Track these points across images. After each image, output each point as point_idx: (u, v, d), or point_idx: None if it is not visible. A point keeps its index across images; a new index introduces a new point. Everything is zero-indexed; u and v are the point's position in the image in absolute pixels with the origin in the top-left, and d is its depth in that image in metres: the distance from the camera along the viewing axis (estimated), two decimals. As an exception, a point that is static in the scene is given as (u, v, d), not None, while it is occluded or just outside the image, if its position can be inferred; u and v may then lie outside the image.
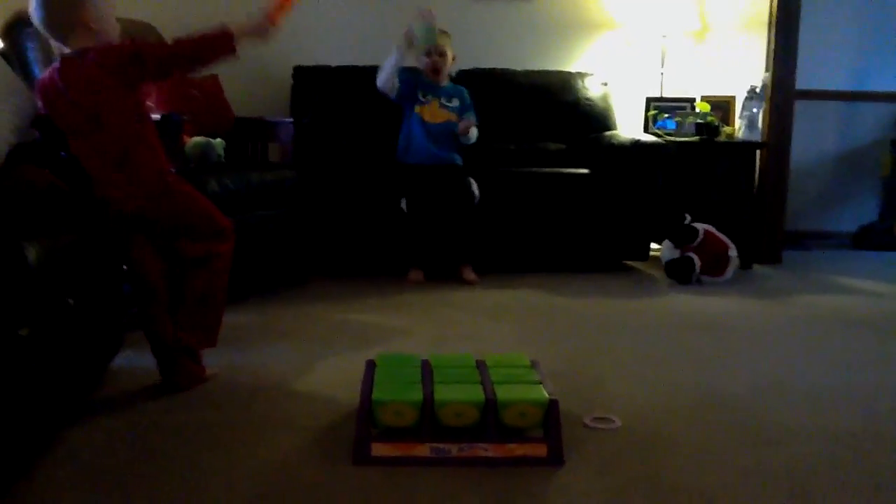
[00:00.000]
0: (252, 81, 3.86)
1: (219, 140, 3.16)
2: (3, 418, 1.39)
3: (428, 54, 3.47)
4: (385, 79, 3.44)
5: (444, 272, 3.36)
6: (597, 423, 1.80)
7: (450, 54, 3.52)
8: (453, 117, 3.52)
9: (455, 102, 3.56)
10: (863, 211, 4.60)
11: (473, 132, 3.50)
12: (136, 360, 2.23)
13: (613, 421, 1.82)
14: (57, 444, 1.65)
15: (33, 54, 3.02)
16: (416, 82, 3.51)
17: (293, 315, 2.77)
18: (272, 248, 3.07)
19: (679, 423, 1.83)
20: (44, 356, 1.57)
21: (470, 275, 3.35)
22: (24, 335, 1.46)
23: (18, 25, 3.06)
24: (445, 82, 3.59)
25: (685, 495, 1.48)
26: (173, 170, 2.05)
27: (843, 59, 4.49)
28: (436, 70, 3.50)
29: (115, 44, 1.95)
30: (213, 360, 2.08)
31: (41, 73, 3.00)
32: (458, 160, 3.51)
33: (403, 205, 3.33)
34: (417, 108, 3.49)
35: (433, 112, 3.50)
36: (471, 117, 3.54)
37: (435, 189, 3.36)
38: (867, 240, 4.49)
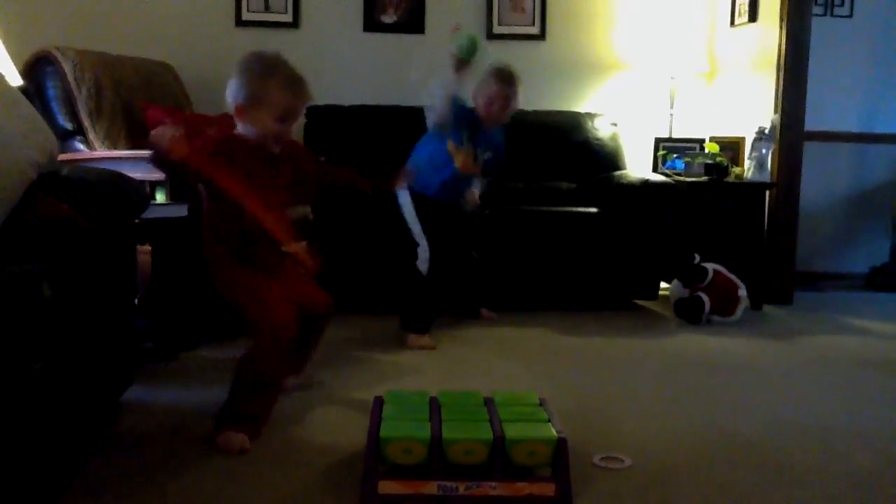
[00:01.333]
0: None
1: (232, 177, 3.19)
2: (13, 453, 1.40)
3: (489, 103, 2.99)
4: (441, 109, 2.94)
5: (461, 312, 3.40)
6: (606, 462, 1.79)
7: (514, 105, 3.04)
8: (478, 171, 3.11)
9: (488, 155, 3.13)
10: (874, 252, 4.59)
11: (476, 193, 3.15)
12: (146, 395, 2.24)
13: (623, 460, 1.80)
14: (67, 479, 1.66)
15: (53, 92, 3.09)
16: (466, 123, 3.01)
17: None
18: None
19: (690, 463, 1.82)
20: (55, 390, 1.58)
21: (490, 313, 3.39)
22: (37, 368, 1.47)
23: (40, 64, 3.13)
24: (492, 128, 3.12)
25: (695, 537, 1.47)
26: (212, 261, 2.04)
27: (853, 101, 4.52)
28: (495, 121, 3.06)
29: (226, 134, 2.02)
30: (222, 395, 2.07)
31: (60, 110, 3.08)
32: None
33: (424, 268, 2.98)
34: (451, 147, 3.00)
35: (465, 162, 3.02)
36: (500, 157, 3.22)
37: (458, 228, 3.14)
38: (879, 281, 4.47)
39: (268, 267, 2.01)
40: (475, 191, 3.13)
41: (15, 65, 3.19)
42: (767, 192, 3.91)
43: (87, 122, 3.08)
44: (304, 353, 2.27)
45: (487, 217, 3.32)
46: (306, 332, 2.17)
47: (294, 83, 1.95)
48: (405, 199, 3.04)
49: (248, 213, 1.91)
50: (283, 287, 2.03)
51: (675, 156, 4.07)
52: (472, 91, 3.03)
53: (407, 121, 3.92)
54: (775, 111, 3.93)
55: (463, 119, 2.99)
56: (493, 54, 3.04)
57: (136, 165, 2.69)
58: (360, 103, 3.98)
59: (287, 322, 1.94)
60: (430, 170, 2.98)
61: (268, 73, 1.93)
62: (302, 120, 3.84)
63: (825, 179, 4.49)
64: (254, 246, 1.97)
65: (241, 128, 1.99)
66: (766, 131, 3.87)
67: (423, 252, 2.99)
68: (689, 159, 3.96)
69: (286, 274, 2.07)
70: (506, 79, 2.99)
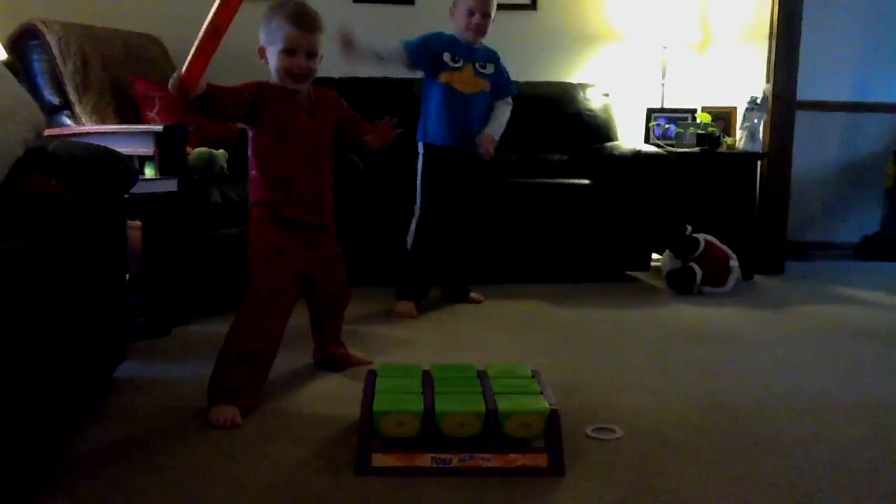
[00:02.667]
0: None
1: (221, 151, 3.18)
2: (4, 429, 1.40)
3: (470, 13, 2.92)
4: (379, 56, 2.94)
5: (449, 296, 3.23)
6: (599, 433, 1.80)
7: (493, 14, 2.99)
8: (487, 87, 3.04)
9: (490, 69, 3.04)
10: (866, 221, 4.61)
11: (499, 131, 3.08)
12: (139, 371, 2.24)
13: (615, 431, 1.82)
14: (58, 456, 1.66)
15: (39, 66, 3.06)
16: (443, 46, 2.97)
17: (294, 325, 2.77)
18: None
19: (682, 433, 1.83)
20: (47, 366, 1.58)
21: (478, 296, 3.21)
22: (28, 345, 1.47)
23: (24, 37, 3.09)
24: (479, 44, 3.04)
25: (686, 506, 1.48)
26: (255, 205, 2.07)
27: (845, 70, 4.51)
28: (478, 31, 2.95)
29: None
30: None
31: (46, 84, 3.04)
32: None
33: (409, 240, 3.03)
34: (445, 77, 2.97)
35: (468, 80, 2.99)
36: (509, 90, 3.14)
37: (456, 189, 3.04)
38: (870, 250, 4.49)
39: (299, 229, 2.05)
40: (489, 131, 3.03)
41: (-1, 38, 3.14)
42: (759, 163, 3.91)
43: (73, 97, 3.05)
44: (320, 334, 2.30)
45: (480, 189, 3.30)
46: (318, 313, 2.25)
47: (298, 15, 1.96)
48: (420, 153, 3.04)
49: (283, 161, 2.02)
50: (304, 260, 2.06)
51: (659, 120, 4.05)
52: (450, 8, 3.00)
53: (398, 93, 3.90)
54: (767, 81, 3.92)
55: (441, 46, 2.96)
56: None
57: (125, 140, 2.68)
58: (350, 75, 3.94)
59: (278, 289, 1.97)
60: (438, 112, 2.98)
61: (276, 9, 1.99)
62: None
63: (817, 149, 4.49)
64: (288, 192, 2.03)
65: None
66: (759, 101, 3.86)
67: (414, 225, 3.03)
68: (681, 130, 3.95)
69: (318, 248, 2.12)
70: (479, 6, 2.92)
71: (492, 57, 3.08)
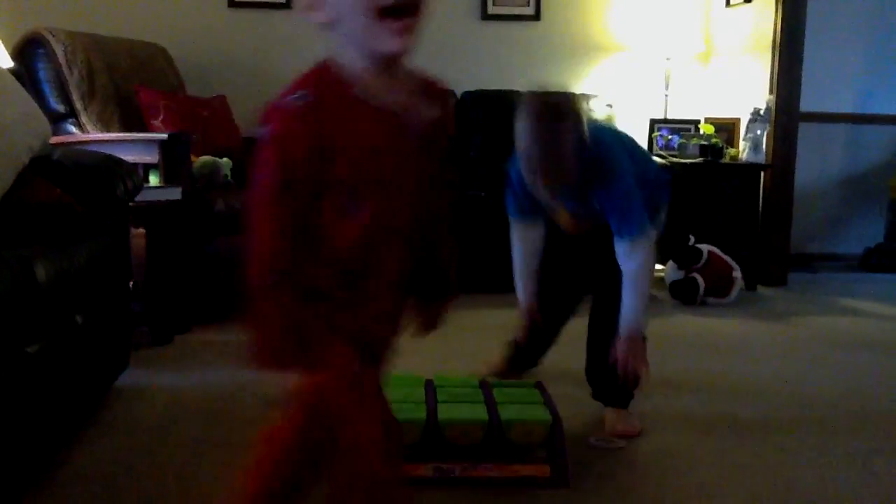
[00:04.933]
0: (259, 101, 3.89)
1: (226, 160, 3.18)
2: (7, 436, 1.40)
3: (531, 172, 1.89)
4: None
5: None
6: (602, 442, 1.80)
7: (561, 157, 1.86)
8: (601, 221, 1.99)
9: (593, 204, 1.97)
10: (869, 233, 4.60)
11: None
12: (141, 379, 2.24)
13: (618, 441, 1.81)
14: (61, 463, 1.66)
15: (44, 74, 3.07)
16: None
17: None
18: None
19: (685, 444, 1.83)
20: (50, 374, 1.58)
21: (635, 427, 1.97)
22: (32, 352, 1.47)
23: (30, 46, 3.10)
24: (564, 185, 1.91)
25: (690, 516, 1.48)
26: None
27: (849, 82, 4.51)
28: (553, 181, 1.89)
29: None
30: (218, 378, 2.07)
31: (52, 93, 3.05)
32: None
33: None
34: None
35: (566, 223, 2.12)
36: (627, 230, 1.96)
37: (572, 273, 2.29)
38: (874, 261, 4.48)
39: None
40: (621, 336, 1.96)
41: (5, 47, 3.16)
42: (762, 174, 3.91)
43: (79, 105, 3.06)
44: None
45: (482, 199, 3.28)
46: None
47: None
48: None
49: None
50: None
51: (663, 131, 4.06)
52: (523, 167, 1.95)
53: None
54: (770, 92, 3.92)
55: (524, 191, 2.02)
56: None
57: (129, 148, 2.68)
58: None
59: None
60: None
61: None
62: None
63: (820, 160, 4.48)
64: None
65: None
66: (762, 112, 3.86)
67: None
68: (684, 141, 3.96)
69: None
70: (530, 156, 1.89)
71: (586, 185, 1.93)
